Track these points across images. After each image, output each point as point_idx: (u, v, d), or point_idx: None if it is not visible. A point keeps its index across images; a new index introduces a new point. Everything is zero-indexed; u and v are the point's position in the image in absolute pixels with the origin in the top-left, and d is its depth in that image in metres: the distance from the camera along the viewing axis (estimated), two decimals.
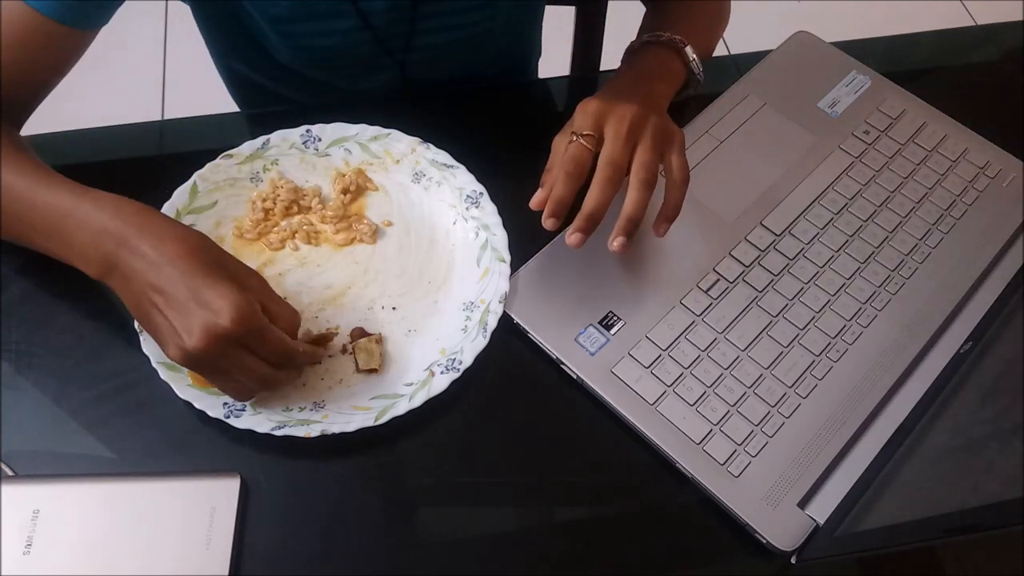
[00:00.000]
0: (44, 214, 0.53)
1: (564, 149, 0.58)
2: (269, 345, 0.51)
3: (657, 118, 0.60)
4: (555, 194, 0.56)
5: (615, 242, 0.57)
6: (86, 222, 0.51)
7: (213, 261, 0.50)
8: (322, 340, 0.59)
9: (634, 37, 0.71)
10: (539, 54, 0.95)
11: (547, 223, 0.57)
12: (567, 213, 0.57)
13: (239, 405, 0.55)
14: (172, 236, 0.50)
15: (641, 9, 0.76)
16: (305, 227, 0.64)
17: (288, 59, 0.73)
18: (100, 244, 0.50)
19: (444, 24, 0.73)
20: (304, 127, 0.66)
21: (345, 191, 0.65)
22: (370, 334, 0.59)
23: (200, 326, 0.48)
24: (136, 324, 0.57)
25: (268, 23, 0.68)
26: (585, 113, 0.59)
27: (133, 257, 0.50)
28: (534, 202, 0.58)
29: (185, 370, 0.56)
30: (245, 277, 0.52)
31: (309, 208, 0.65)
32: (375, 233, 0.64)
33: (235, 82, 0.86)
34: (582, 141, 0.57)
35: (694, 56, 0.67)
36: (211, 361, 0.49)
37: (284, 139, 0.66)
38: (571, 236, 0.56)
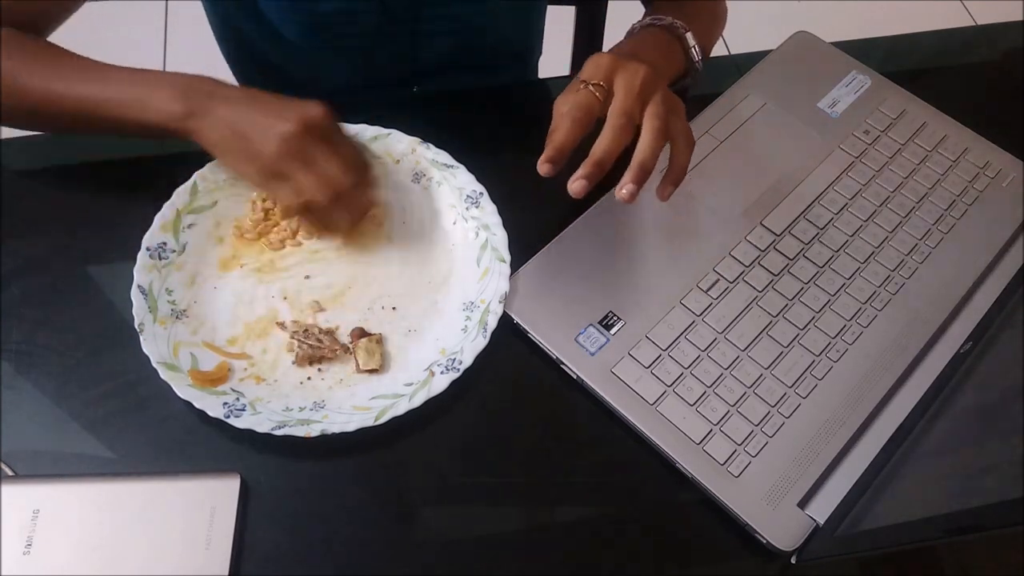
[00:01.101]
0: (119, 83, 0.59)
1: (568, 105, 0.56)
2: (347, 144, 0.59)
3: (665, 86, 0.58)
4: (556, 138, 0.54)
5: (624, 189, 0.54)
6: (168, 81, 0.58)
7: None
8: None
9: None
10: (540, 53, 0.95)
11: (542, 168, 0.54)
12: (564, 164, 0.54)
13: (239, 405, 0.55)
14: (243, 88, 0.59)
15: (641, 10, 0.76)
16: (314, 250, 0.64)
17: (295, 32, 0.72)
18: (187, 94, 0.57)
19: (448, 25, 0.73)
20: None
21: None
22: (370, 334, 0.59)
23: (295, 112, 0.56)
24: (136, 324, 0.57)
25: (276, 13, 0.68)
26: (597, 65, 0.57)
27: (223, 95, 0.57)
28: (539, 167, 0.55)
29: (185, 370, 0.56)
30: None
31: None
32: (380, 224, 0.65)
33: (240, 64, 0.86)
34: (592, 89, 0.56)
35: (694, 43, 0.67)
36: (302, 143, 0.55)
37: None
38: (575, 183, 0.54)
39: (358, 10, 0.71)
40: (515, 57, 0.89)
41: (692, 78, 0.69)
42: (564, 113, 0.56)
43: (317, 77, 0.81)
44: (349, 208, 0.60)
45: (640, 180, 0.54)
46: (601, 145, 0.54)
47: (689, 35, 0.66)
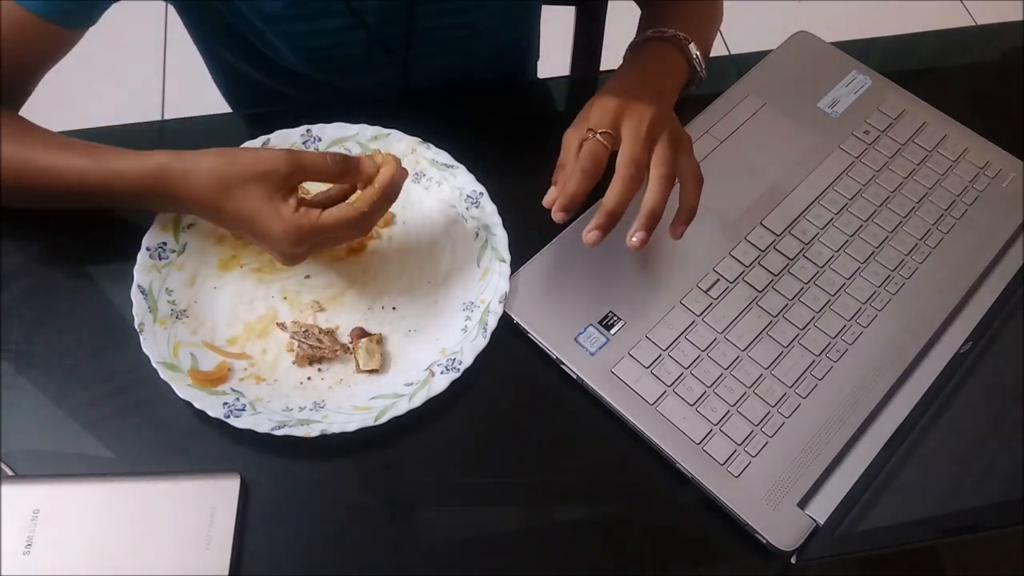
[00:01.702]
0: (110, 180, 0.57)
1: (577, 145, 0.58)
2: (337, 225, 0.55)
3: (671, 122, 0.60)
4: (569, 189, 0.56)
5: (635, 237, 0.56)
6: (137, 180, 0.57)
7: (246, 191, 0.54)
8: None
9: (632, 38, 0.70)
10: (537, 57, 0.95)
11: (557, 216, 0.56)
12: (578, 209, 0.57)
13: (239, 404, 0.55)
14: (199, 187, 0.55)
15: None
16: None
17: (287, 59, 0.73)
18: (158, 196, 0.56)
19: (441, 23, 0.73)
20: (304, 127, 0.66)
21: None
22: (370, 334, 0.59)
23: (278, 254, 0.56)
24: (136, 324, 0.57)
25: (263, 23, 0.68)
26: (603, 110, 0.59)
27: (205, 212, 0.57)
28: (547, 200, 0.58)
29: (185, 370, 0.56)
30: (273, 173, 0.54)
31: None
32: (388, 224, 0.65)
33: (230, 83, 0.86)
34: (599, 138, 0.57)
35: (697, 53, 0.67)
36: (308, 251, 0.56)
37: (284, 139, 0.66)
38: (589, 233, 0.56)
39: (345, 41, 0.71)
40: (508, 73, 0.89)
41: (696, 85, 0.69)
42: (573, 160, 0.58)
43: (314, 93, 0.81)
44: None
45: (650, 227, 0.56)
46: (612, 196, 0.56)
47: (692, 46, 0.66)
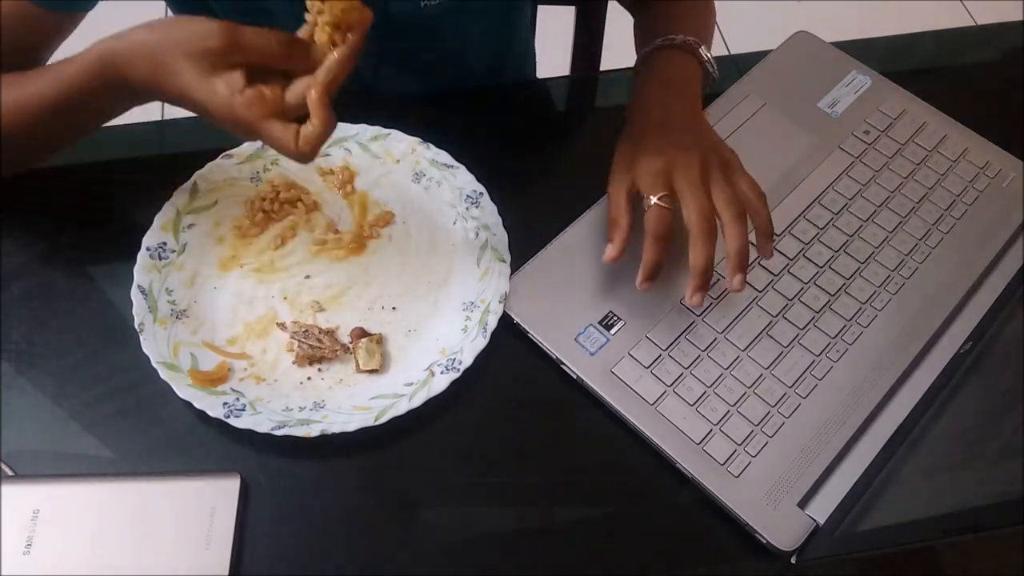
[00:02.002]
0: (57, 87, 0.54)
1: (626, 200, 0.59)
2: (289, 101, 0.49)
3: (714, 151, 0.60)
4: (650, 260, 0.57)
5: (735, 280, 0.56)
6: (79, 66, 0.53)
7: (179, 68, 0.49)
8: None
9: (631, 40, 0.70)
10: (533, 69, 0.95)
11: (644, 287, 0.57)
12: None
13: (239, 404, 0.55)
14: (139, 66, 0.51)
15: None
16: (315, 247, 0.64)
17: None
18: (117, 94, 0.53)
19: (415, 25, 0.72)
20: None
21: (342, 187, 0.66)
22: (370, 334, 0.59)
23: (220, 115, 0.49)
24: (136, 324, 0.57)
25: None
26: (654, 175, 0.58)
27: (138, 96, 0.53)
28: (608, 257, 0.58)
29: (185, 370, 0.56)
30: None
31: (314, 207, 0.65)
32: (388, 224, 0.65)
33: None
34: (661, 203, 0.57)
35: (708, 55, 0.67)
36: (245, 56, 0.49)
37: None
38: (693, 297, 0.56)
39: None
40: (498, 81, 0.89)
41: (708, 87, 0.69)
42: (625, 217, 0.58)
43: None
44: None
45: (744, 266, 0.56)
46: (699, 257, 0.56)
47: (703, 49, 0.67)
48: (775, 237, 0.59)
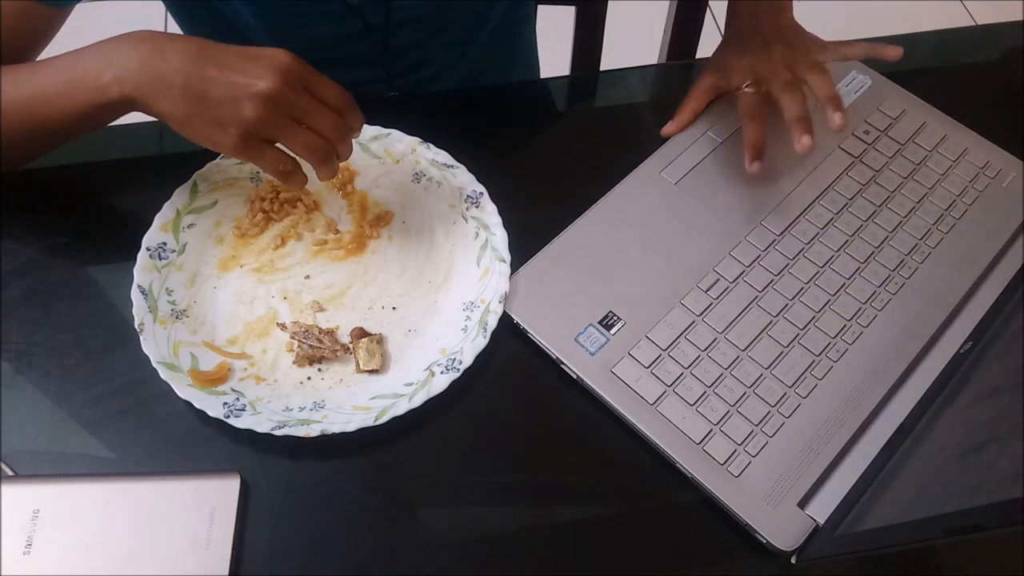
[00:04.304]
0: (48, 70, 0.53)
1: (708, 87, 0.69)
2: (329, 84, 0.51)
3: (792, 44, 0.67)
4: (751, 138, 0.65)
5: (804, 139, 0.61)
6: (102, 57, 0.52)
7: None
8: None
9: (634, 36, 0.71)
10: (537, 71, 0.95)
11: (753, 167, 0.64)
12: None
13: (239, 405, 0.55)
14: (178, 36, 0.51)
15: (641, 10, 0.76)
16: (315, 247, 0.64)
17: (266, 38, 0.73)
18: (127, 65, 0.50)
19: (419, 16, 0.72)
20: None
21: (342, 187, 0.66)
22: (370, 334, 0.59)
23: (269, 67, 0.48)
24: (136, 324, 0.57)
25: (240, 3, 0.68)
26: (740, 70, 0.67)
27: (170, 55, 0.50)
28: (669, 129, 0.68)
29: (185, 370, 0.56)
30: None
31: (314, 207, 0.65)
32: (388, 224, 0.65)
33: None
34: (751, 90, 0.66)
35: None
36: (287, 101, 0.49)
37: None
38: (803, 140, 0.61)
39: (330, 11, 0.71)
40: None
41: None
42: (743, 114, 0.66)
43: None
44: (343, 149, 0.55)
45: (808, 128, 0.61)
46: (790, 107, 0.62)
47: None
48: (841, 113, 0.62)
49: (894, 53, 0.65)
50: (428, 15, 0.74)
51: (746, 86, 0.66)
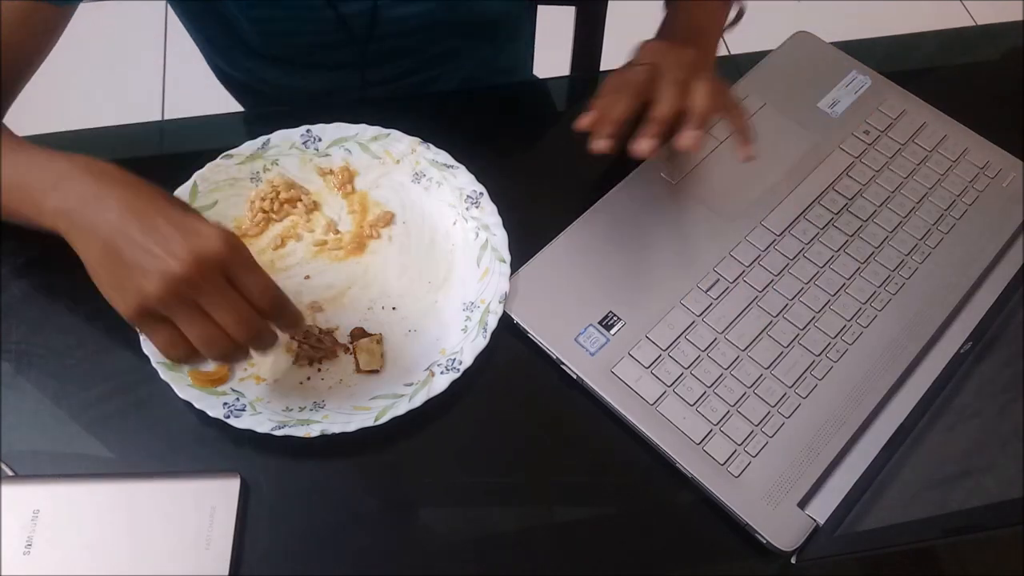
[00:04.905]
0: (9, 169, 0.52)
1: (617, 80, 0.58)
2: (257, 280, 0.48)
3: (710, 66, 0.61)
4: (612, 114, 0.55)
5: (690, 135, 0.55)
6: (45, 171, 0.50)
7: (183, 205, 0.49)
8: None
9: (634, 36, 0.70)
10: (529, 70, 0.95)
11: (601, 144, 0.55)
12: (618, 139, 0.56)
13: (239, 405, 0.55)
14: (136, 183, 0.49)
15: (641, 9, 0.76)
16: (315, 247, 0.64)
17: (256, 43, 0.73)
18: (61, 190, 0.49)
19: (409, 12, 0.72)
20: (304, 127, 0.66)
21: (342, 187, 0.66)
22: (370, 334, 0.59)
23: (187, 248, 0.45)
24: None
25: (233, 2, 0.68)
26: (645, 50, 0.60)
27: (109, 203, 0.47)
28: (581, 123, 0.56)
29: (185, 370, 0.56)
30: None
31: (314, 208, 0.65)
32: (389, 224, 0.65)
33: (224, 79, 0.87)
34: (642, 68, 0.58)
35: None
36: (194, 288, 0.45)
37: (284, 139, 0.66)
38: (643, 142, 0.55)
39: (317, 19, 0.71)
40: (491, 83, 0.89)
41: (735, 22, 0.70)
42: (613, 89, 0.57)
43: (286, 92, 0.82)
44: (257, 346, 0.50)
45: (702, 126, 0.56)
46: (660, 106, 0.56)
47: None
48: (749, 146, 0.59)
49: (743, 154, 0.59)
50: (420, 27, 0.74)
51: (643, 64, 0.58)
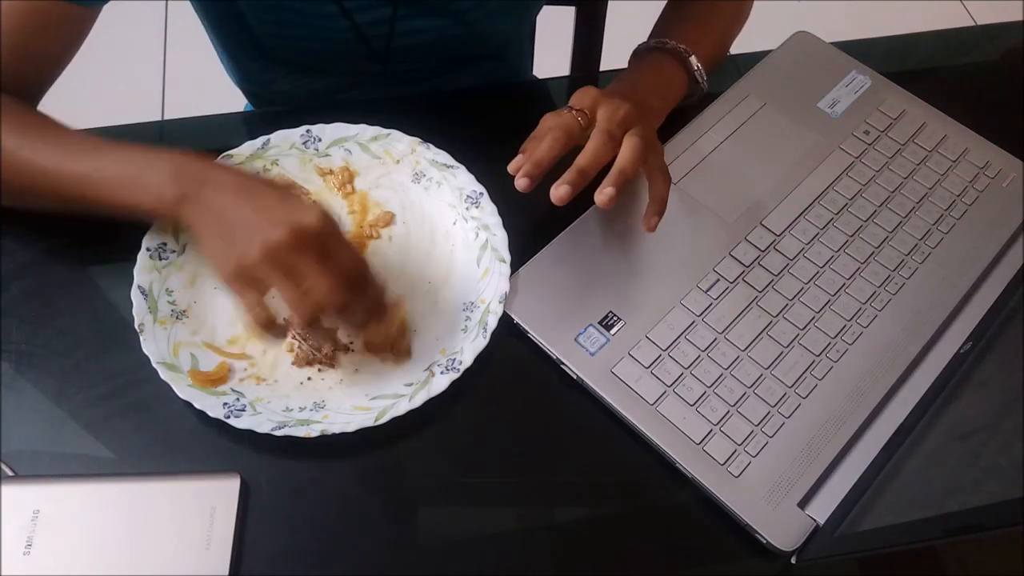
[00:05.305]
0: (114, 160, 0.55)
1: (552, 123, 0.58)
2: (348, 254, 0.53)
3: (648, 121, 0.60)
4: (536, 155, 0.56)
5: (604, 192, 0.55)
6: (161, 161, 0.54)
7: (286, 184, 0.57)
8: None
9: (634, 36, 0.71)
10: (531, 68, 0.95)
11: (520, 183, 0.56)
12: (541, 179, 0.56)
13: (239, 405, 0.55)
14: (236, 169, 0.56)
15: (641, 9, 0.76)
16: None
17: (271, 46, 0.73)
18: (180, 177, 0.53)
19: (424, 26, 0.73)
20: (304, 127, 0.66)
21: (342, 187, 0.66)
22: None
23: (287, 219, 0.50)
24: (136, 324, 0.57)
25: (246, 4, 0.68)
26: (583, 94, 0.59)
27: (216, 182, 0.53)
28: (512, 166, 0.57)
29: (185, 370, 0.56)
30: None
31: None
32: (389, 224, 0.65)
33: (239, 80, 0.87)
34: (575, 114, 0.58)
35: (699, 66, 0.67)
36: (291, 254, 0.50)
37: (284, 139, 0.66)
38: (560, 188, 0.55)
39: (336, 28, 0.71)
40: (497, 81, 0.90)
41: (697, 97, 0.70)
42: (545, 131, 0.58)
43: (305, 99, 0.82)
44: (349, 321, 0.56)
45: (619, 185, 0.56)
46: (585, 156, 0.56)
47: (694, 58, 0.67)
48: (658, 219, 0.59)
49: (647, 225, 0.59)
50: (432, 41, 0.74)
51: (577, 109, 0.58)
